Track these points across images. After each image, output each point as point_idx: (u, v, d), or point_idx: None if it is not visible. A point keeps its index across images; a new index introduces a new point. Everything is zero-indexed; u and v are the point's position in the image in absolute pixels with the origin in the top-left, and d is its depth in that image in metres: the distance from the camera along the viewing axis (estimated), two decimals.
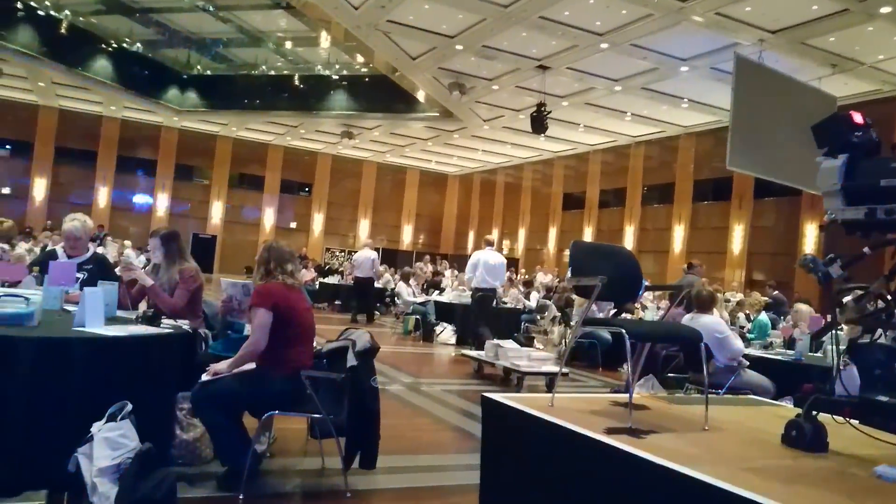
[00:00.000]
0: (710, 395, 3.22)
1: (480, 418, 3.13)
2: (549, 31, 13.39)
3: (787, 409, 3.71)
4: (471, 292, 10.31)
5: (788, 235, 17.36)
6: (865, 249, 2.49)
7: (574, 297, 9.37)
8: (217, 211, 28.60)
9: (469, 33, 14.06)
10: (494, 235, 29.72)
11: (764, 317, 9.78)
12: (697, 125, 19.34)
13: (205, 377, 3.43)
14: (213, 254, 27.64)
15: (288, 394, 3.32)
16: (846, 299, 2.81)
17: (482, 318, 9.88)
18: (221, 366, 3.47)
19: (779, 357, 6.28)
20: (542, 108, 16.22)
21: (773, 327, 9.39)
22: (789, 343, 7.04)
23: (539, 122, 16.34)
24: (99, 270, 4.61)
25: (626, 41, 13.42)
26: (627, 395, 2.98)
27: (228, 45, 22.20)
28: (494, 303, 10.33)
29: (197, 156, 28.29)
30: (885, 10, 10.78)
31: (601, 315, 6.89)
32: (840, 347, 3.06)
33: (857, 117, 2.56)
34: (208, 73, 24.14)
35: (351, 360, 3.36)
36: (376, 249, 15.43)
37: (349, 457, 3.42)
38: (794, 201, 16.94)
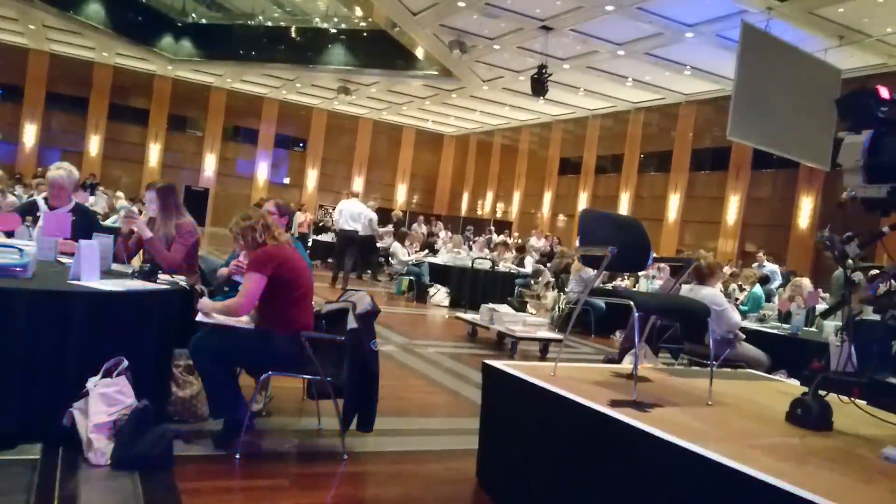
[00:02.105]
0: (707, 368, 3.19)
1: (473, 381, 3.11)
2: None
3: (789, 385, 3.70)
4: (335, 232, 12.58)
5: (784, 208, 17.34)
6: (885, 228, 2.44)
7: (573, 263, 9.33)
8: (210, 163, 28.26)
9: None
10: (489, 198, 29.80)
11: (758, 289, 9.79)
12: (699, 93, 19.14)
13: (199, 317, 3.39)
14: (206, 207, 27.39)
15: (289, 355, 3.28)
16: (859, 278, 2.77)
17: (346, 253, 11.84)
18: (208, 302, 3.44)
19: (774, 331, 6.29)
20: (544, 71, 15.99)
21: (767, 300, 9.41)
22: (784, 317, 7.04)
23: (539, 85, 16.12)
24: (82, 221, 4.51)
25: (632, 4, 13.16)
26: (624, 365, 2.95)
27: None
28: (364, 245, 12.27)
29: (191, 106, 27.84)
30: None
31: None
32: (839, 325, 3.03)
33: (884, 92, 2.48)
34: (203, 21, 23.64)
35: (351, 323, 3.31)
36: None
37: (347, 418, 3.39)
38: (791, 174, 16.89)
